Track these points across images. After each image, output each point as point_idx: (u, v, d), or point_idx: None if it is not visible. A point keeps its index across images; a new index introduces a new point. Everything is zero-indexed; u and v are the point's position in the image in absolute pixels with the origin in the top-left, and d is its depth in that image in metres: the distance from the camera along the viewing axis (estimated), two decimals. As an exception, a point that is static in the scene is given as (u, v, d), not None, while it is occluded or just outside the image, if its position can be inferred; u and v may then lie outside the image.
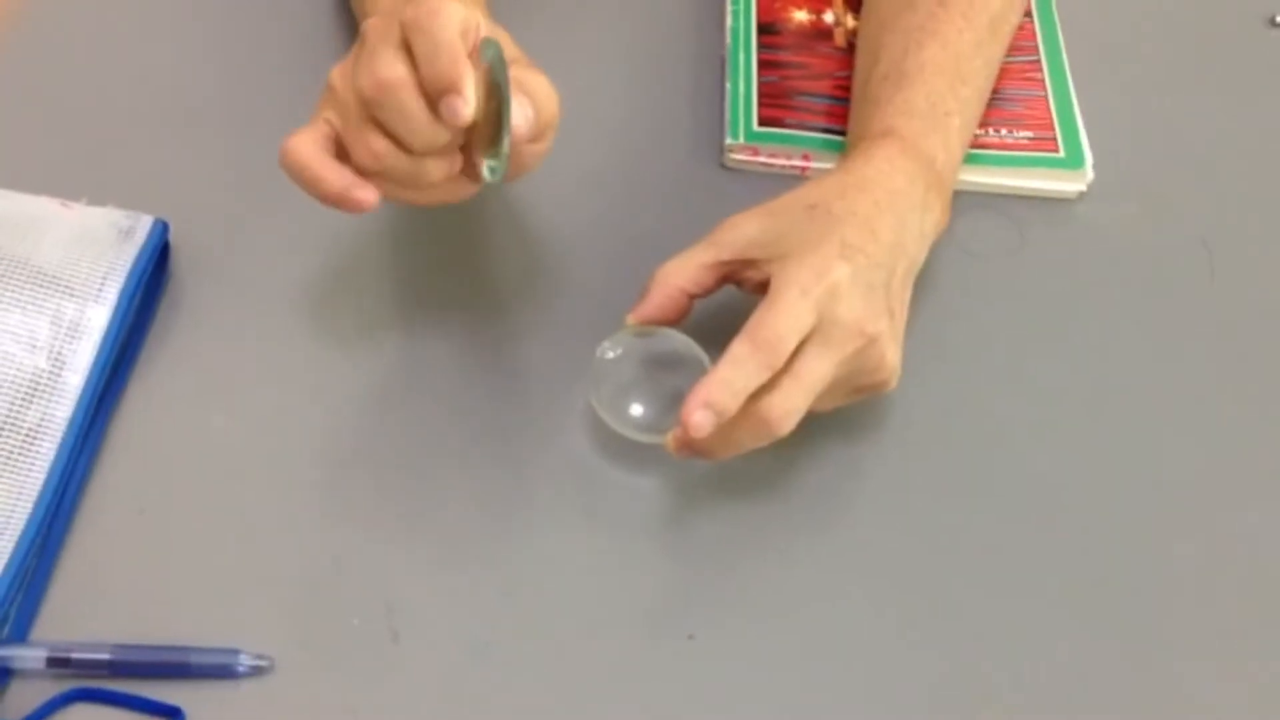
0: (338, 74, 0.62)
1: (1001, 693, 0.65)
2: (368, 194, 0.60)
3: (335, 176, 0.60)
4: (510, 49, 0.63)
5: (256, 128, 0.83)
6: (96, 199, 0.75)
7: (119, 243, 0.73)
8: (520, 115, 0.60)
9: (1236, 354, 0.78)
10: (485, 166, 0.61)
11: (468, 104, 0.57)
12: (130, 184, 0.77)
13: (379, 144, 0.59)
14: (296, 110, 0.82)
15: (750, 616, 0.67)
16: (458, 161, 0.62)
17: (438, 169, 0.61)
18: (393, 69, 0.57)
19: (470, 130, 0.59)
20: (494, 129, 0.59)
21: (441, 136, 0.59)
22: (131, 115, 0.84)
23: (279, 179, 0.79)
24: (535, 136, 0.62)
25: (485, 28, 0.61)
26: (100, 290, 0.71)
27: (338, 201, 0.60)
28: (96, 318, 0.70)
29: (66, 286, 0.70)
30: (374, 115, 0.59)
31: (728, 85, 0.86)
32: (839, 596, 0.68)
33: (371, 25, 0.60)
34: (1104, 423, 0.75)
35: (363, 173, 0.60)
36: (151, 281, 0.74)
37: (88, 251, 0.72)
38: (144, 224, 0.74)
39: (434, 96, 0.57)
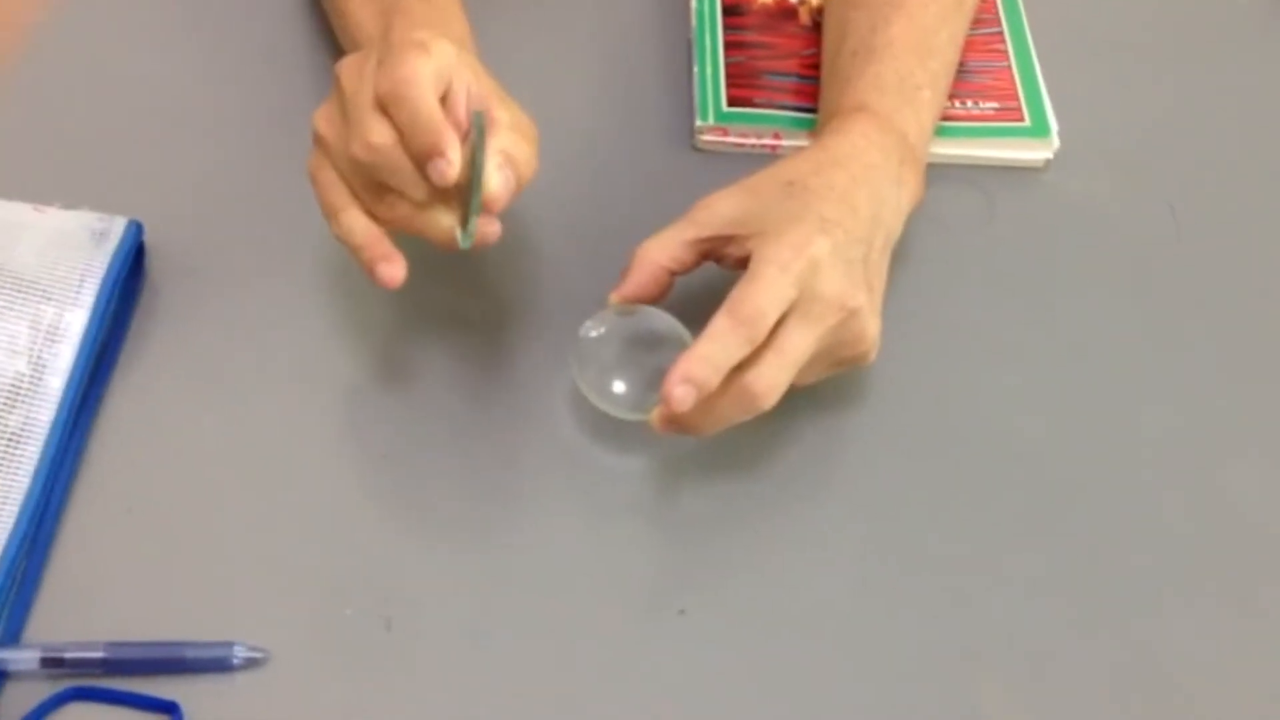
0: (323, 122, 0.63)
1: (990, 655, 0.66)
2: (394, 270, 0.63)
3: (378, 251, 0.63)
4: (488, 82, 0.65)
5: (226, 127, 0.83)
6: (70, 203, 0.74)
7: (94, 245, 0.73)
8: (502, 183, 0.61)
9: (1205, 313, 0.79)
10: (458, 233, 0.62)
11: (452, 165, 0.59)
12: (102, 187, 0.77)
13: (398, 204, 0.62)
14: (267, 110, 0.83)
15: (740, 589, 0.67)
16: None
17: (446, 217, 0.63)
18: (380, 135, 0.60)
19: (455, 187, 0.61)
20: (468, 196, 0.61)
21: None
22: (101, 118, 0.83)
23: (249, 177, 0.81)
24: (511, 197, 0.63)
25: (464, 64, 0.62)
26: (78, 293, 0.71)
27: (369, 273, 0.64)
28: (75, 321, 0.70)
29: (44, 291, 0.70)
30: (374, 177, 0.61)
31: (695, 68, 0.86)
32: (826, 567, 0.68)
33: (345, 73, 0.62)
34: (1079, 385, 0.75)
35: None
36: (128, 283, 0.74)
37: (63, 255, 0.72)
38: (118, 226, 0.74)
39: (420, 161, 0.60)
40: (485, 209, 0.62)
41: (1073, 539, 0.70)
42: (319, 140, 0.64)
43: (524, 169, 0.63)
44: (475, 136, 0.60)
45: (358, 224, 0.63)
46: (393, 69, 0.59)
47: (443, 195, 0.62)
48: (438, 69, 0.60)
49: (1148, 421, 0.74)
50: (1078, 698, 0.65)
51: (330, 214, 0.64)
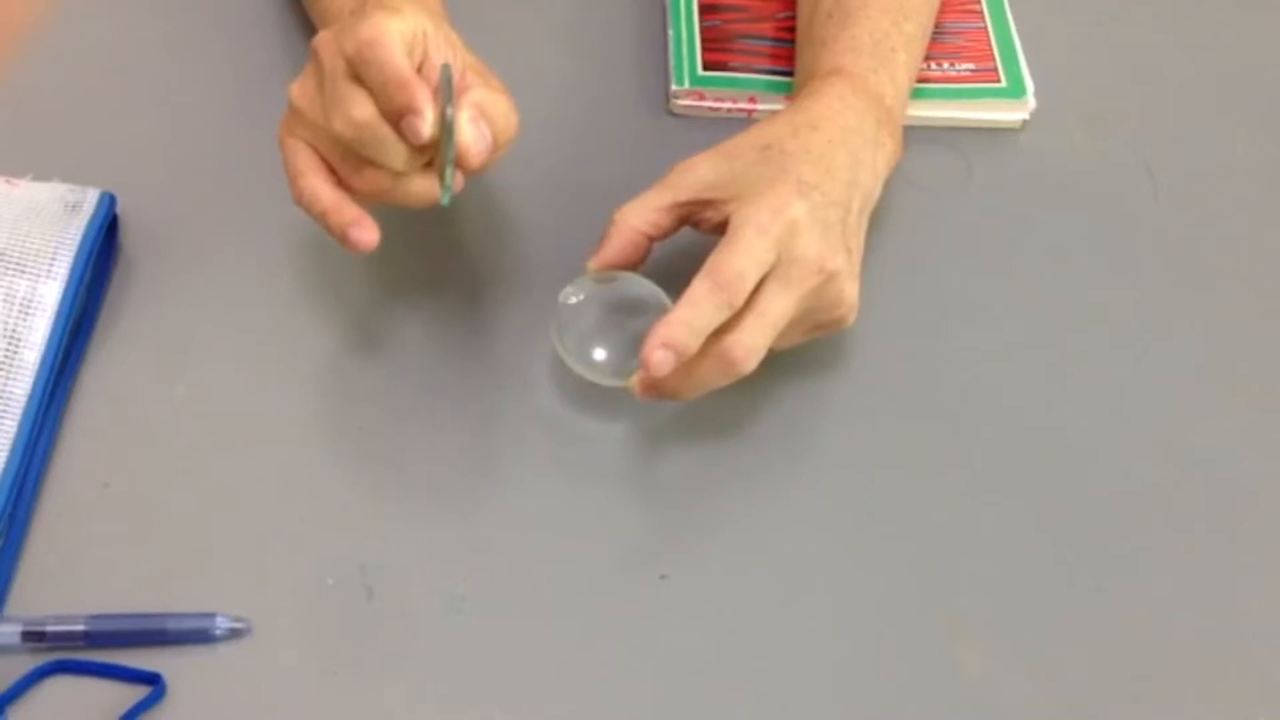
0: (299, 94, 0.63)
1: (974, 613, 0.66)
2: (366, 234, 0.63)
3: (346, 216, 0.63)
4: (467, 57, 0.65)
5: (199, 97, 0.83)
6: (41, 175, 0.74)
7: (67, 217, 0.72)
8: (479, 140, 0.61)
9: (1182, 272, 0.79)
10: (439, 190, 0.63)
11: (426, 123, 0.59)
12: (75, 159, 0.76)
13: (378, 177, 0.62)
14: (241, 80, 0.82)
15: (722, 553, 0.68)
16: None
17: (425, 184, 0.63)
18: (363, 109, 0.60)
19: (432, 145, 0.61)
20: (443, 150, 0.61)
21: (421, 156, 0.61)
22: (73, 89, 0.82)
23: (223, 148, 0.80)
24: (490, 157, 0.63)
25: (441, 37, 0.62)
26: (51, 266, 0.70)
27: (341, 240, 0.63)
28: (49, 294, 0.70)
29: (17, 264, 0.70)
30: (355, 151, 0.61)
31: (670, 31, 0.86)
32: (808, 530, 0.68)
33: (323, 47, 0.62)
34: (1057, 346, 0.76)
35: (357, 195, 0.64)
36: (102, 255, 0.73)
37: (36, 227, 0.71)
38: (91, 197, 0.73)
39: (393, 120, 0.60)
40: (460, 164, 0.61)
41: (1052, 497, 0.70)
42: (294, 111, 0.63)
43: (501, 123, 0.63)
44: (442, 86, 0.60)
45: (321, 189, 0.63)
46: (358, 31, 0.59)
47: (421, 162, 0.62)
48: (405, 29, 0.60)
49: (1126, 381, 0.75)
50: (1058, 653, 0.65)
51: (293, 178, 0.63)
